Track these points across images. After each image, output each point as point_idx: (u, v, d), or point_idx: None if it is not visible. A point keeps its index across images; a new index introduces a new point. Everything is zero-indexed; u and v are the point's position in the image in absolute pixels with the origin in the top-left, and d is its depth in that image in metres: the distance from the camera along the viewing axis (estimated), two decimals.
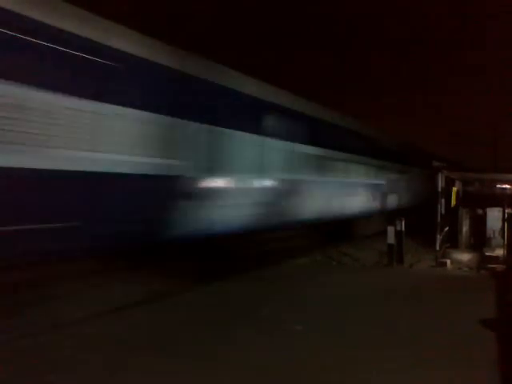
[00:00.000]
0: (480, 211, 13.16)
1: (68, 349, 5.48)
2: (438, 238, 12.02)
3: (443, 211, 12.58)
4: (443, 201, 12.69)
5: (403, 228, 11.60)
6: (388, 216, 15.36)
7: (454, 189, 13.88)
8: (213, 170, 9.14)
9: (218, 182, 9.41)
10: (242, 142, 9.99)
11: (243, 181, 10.15)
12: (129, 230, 7.33)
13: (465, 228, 13.34)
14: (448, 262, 11.67)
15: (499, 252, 11.84)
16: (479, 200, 13.98)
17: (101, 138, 6.89)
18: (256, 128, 10.45)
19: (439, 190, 12.60)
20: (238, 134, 9.83)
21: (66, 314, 6.74)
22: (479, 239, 12.82)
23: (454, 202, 13.64)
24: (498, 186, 16.64)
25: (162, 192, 7.99)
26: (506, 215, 12.12)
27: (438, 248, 11.95)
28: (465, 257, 12.25)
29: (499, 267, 11.17)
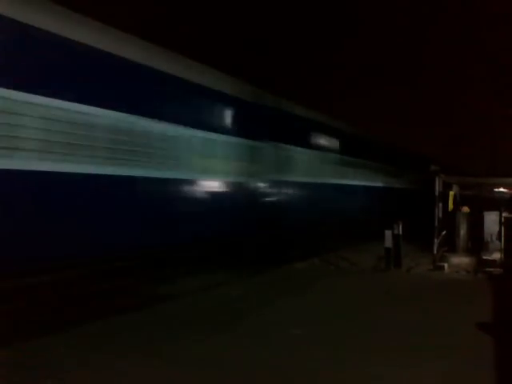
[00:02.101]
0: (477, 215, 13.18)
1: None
2: (436, 241, 12.04)
3: (441, 215, 12.60)
4: (441, 205, 12.72)
5: (401, 232, 11.62)
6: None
7: (452, 192, 13.91)
8: None
9: None
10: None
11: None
12: None
13: (462, 232, 13.35)
14: (445, 265, 11.69)
15: (496, 256, 11.84)
16: (477, 204, 14.00)
17: None
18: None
19: (436, 193, 12.63)
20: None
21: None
22: (476, 243, 12.83)
23: (451, 205, 13.66)
24: (496, 189, 16.68)
25: None
26: (503, 219, 12.13)
27: (435, 252, 11.97)
28: (462, 260, 12.26)
29: (496, 271, 11.19)
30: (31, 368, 5.11)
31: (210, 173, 9.70)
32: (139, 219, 8.04)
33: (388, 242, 11.52)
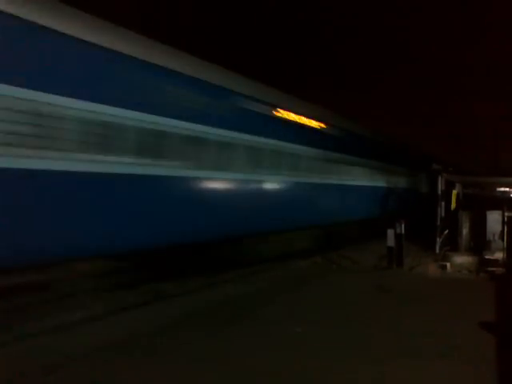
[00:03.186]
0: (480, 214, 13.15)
1: None
2: (438, 240, 12.02)
3: (443, 214, 12.59)
4: (443, 204, 12.70)
5: (403, 231, 11.60)
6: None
7: (454, 192, 13.89)
8: None
9: None
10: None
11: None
12: None
13: (465, 231, 13.33)
14: (448, 264, 11.68)
15: (499, 255, 11.82)
16: (479, 203, 13.98)
17: None
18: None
19: (439, 192, 12.62)
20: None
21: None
22: (479, 242, 12.81)
23: (453, 204, 13.64)
24: (498, 189, 16.66)
25: None
26: (506, 218, 12.11)
27: (437, 251, 11.95)
28: (464, 260, 12.23)
29: (499, 270, 11.17)
30: None
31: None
32: None
33: (390, 241, 11.51)
